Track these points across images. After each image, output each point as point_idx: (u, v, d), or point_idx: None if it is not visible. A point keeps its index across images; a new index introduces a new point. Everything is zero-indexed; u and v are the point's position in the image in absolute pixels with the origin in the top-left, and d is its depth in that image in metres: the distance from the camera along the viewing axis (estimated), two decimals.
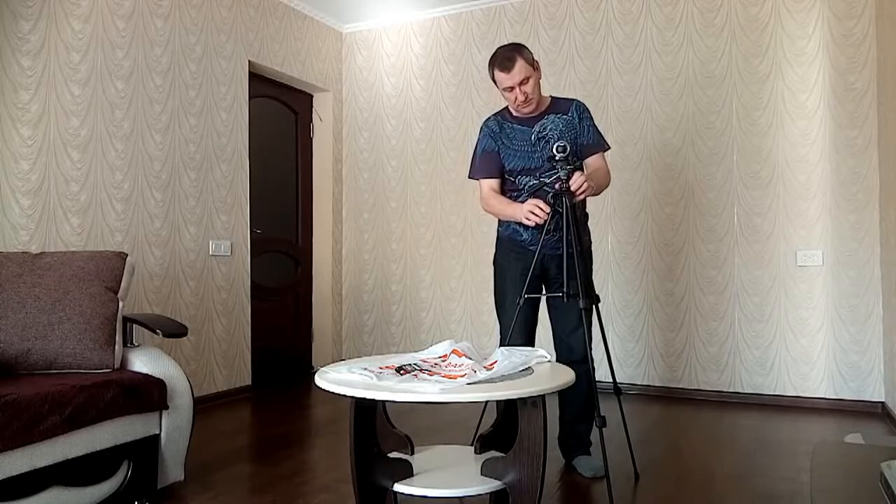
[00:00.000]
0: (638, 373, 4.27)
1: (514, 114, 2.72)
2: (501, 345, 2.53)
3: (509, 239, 2.77)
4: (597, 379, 2.52)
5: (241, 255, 4.27)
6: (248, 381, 4.32)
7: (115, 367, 2.42)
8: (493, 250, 2.85)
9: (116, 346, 2.43)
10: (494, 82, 2.65)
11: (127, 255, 2.66)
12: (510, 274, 2.72)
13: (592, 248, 2.84)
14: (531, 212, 2.48)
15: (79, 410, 2.09)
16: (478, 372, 1.82)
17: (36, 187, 3.12)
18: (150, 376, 2.41)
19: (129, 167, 3.55)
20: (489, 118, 2.78)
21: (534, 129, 2.68)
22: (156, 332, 2.59)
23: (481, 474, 1.85)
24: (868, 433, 3.23)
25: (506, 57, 2.57)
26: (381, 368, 1.88)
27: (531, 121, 2.69)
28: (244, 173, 4.31)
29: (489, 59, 2.65)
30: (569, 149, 2.42)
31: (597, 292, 2.67)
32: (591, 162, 2.71)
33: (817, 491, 1.38)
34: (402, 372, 1.85)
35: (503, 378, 1.82)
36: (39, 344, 2.31)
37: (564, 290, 2.47)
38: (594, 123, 2.74)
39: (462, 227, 4.80)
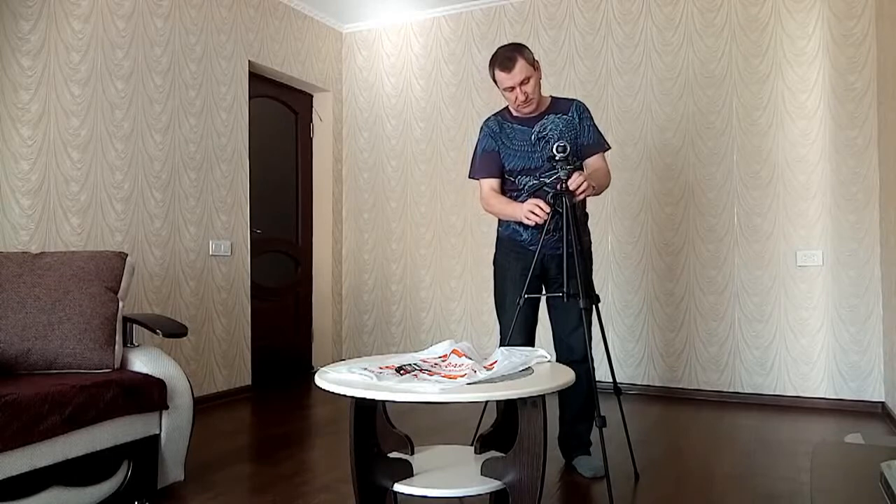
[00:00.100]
0: (638, 373, 4.27)
1: (515, 114, 2.72)
2: (501, 345, 2.53)
3: (509, 239, 2.77)
4: (597, 379, 2.52)
5: (241, 255, 4.27)
6: (248, 381, 4.32)
7: (115, 367, 2.42)
8: (493, 250, 2.85)
9: (116, 346, 2.43)
10: (495, 82, 2.65)
11: (127, 255, 2.66)
12: (510, 274, 2.72)
13: (592, 248, 2.84)
14: (531, 211, 2.48)
15: (79, 410, 2.09)
16: (478, 372, 1.82)
17: (36, 187, 3.12)
18: (150, 376, 2.41)
19: (129, 167, 3.55)
20: (489, 118, 2.79)
21: (534, 129, 2.68)
22: (156, 332, 2.59)
23: (481, 474, 1.85)
24: (868, 433, 3.23)
25: (506, 57, 2.57)
26: (381, 368, 1.88)
27: (531, 121, 2.69)
28: (244, 173, 4.31)
29: (490, 58, 2.65)
30: (569, 149, 2.42)
31: (597, 292, 2.67)
32: (592, 162, 2.71)
33: (817, 491, 1.38)
34: (402, 372, 1.85)
35: (503, 378, 1.82)
36: (39, 344, 2.31)
37: (564, 289, 2.47)
38: (594, 123, 2.74)
39: (462, 227, 4.80)
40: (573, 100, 2.77)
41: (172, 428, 2.46)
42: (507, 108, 2.77)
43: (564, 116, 2.69)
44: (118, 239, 3.48)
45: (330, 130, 5.15)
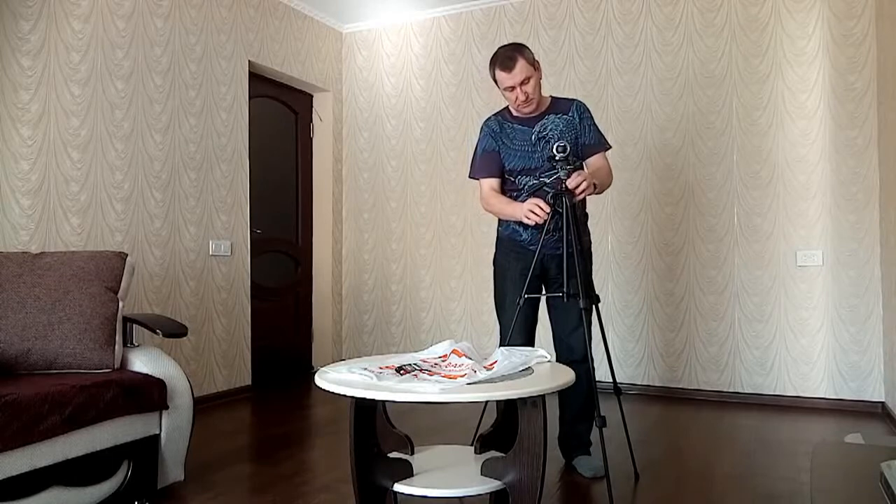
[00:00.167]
0: (638, 373, 4.27)
1: (515, 114, 2.72)
2: (501, 345, 2.53)
3: (509, 239, 2.77)
4: (597, 379, 2.52)
5: (241, 255, 4.27)
6: (248, 381, 4.32)
7: (115, 367, 2.42)
8: (493, 250, 2.85)
9: (116, 346, 2.43)
10: (495, 82, 2.65)
11: (127, 255, 2.66)
12: (510, 274, 2.72)
13: (592, 248, 2.84)
14: (531, 211, 2.48)
15: (79, 410, 2.09)
16: (478, 372, 1.82)
17: (36, 187, 3.12)
18: (150, 376, 2.41)
19: (129, 167, 3.55)
20: (489, 118, 2.79)
21: (534, 129, 2.68)
22: (156, 332, 2.59)
23: (481, 474, 1.85)
24: (868, 433, 3.23)
25: (507, 56, 2.57)
26: (381, 368, 1.88)
27: (531, 121, 2.69)
28: (244, 173, 4.31)
29: (490, 58, 2.65)
30: (569, 149, 2.42)
31: (597, 292, 2.67)
32: (593, 161, 2.71)
33: (817, 491, 1.38)
34: (402, 372, 1.85)
35: (503, 378, 1.82)
36: (39, 344, 2.31)
37: (564, 289, 2.47)
38: (595, 123, 2.75)
39: (462, 227, 4.80)
40: (573, 100, 2.77)
41: (172, 428, 2.46)
42: (507, 108, 2.77)
43: (565, 116, 2.69)
44: (118, 239, 3.48)
45: (330, 130, 5.15)
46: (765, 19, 4.02)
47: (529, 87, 2.59)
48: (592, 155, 2.71)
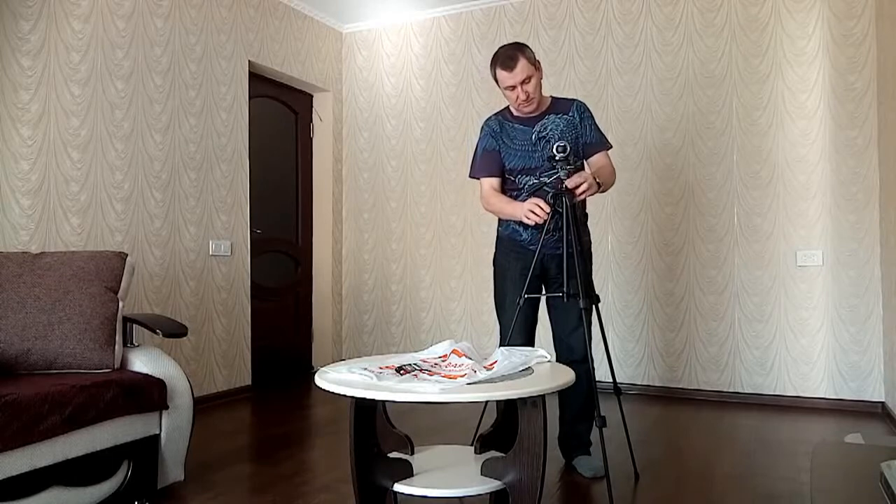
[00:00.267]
0: (638, 373, 4.27)
1: (515, 113, 2.72)
2: (501, 345, 2.53)
3: (509, 239, 2.77)
4: (597, 379, 2.52)
5: (241, 255, 4.27)
6: (248, 381, 4.32)
7: (115, 367, 2.42)
8: (493, 250, 2.85)
9: (116, 346, 2.43)
10: (496, 81, 2.65)
11: (127, 255, 2.66)
12: (510, 274, 2.72)
13: (592, 248, 2.84)
14: (531, 210, 2.48)
15: (79, 410, 2.09)
16: (478, 372, 1.82)
17: (36, 187, 3.12)
18: (150, 376, 2.41)
19: (129, 167, 3.55)
20: (490, 117, 2.79)
21: (534, 129, 2.68)
22: (156, 332, 2.59)
23: (481, 474, 1.85)
24: (868, 433, 3.23)
25: (508, 56, 2.57)
26: (381, 368, 1.88)
27: (532, 120, 2.69)
28: (244, 173, 4.31)
29: (491, 57, 2.65)
30: (569, 149, 2.42)
31: (597, 292, 2.67)
32: (596, 160, 2.71)
33: (817, 491, 1.38)
34: (402, 372, 1.85)
35: (503, 378, 1.82)
36: (39, 344, 2.31)
37: (564, 289, 2.47)
38: (595, 123, 2.75)
39: (462, 227, 4.80)
40: (574, 100, 2.77)
41: (172, 428, 2.46)
42: (507, 107, 2.77)
43: (565, 116, 2.69)
44: (118, 239, 3.48)
45: (330, 130, 5.15)
46: (765, 19, 4.02)
47: (530, 87, 2.59)
48: (594, 154, 2.71)
